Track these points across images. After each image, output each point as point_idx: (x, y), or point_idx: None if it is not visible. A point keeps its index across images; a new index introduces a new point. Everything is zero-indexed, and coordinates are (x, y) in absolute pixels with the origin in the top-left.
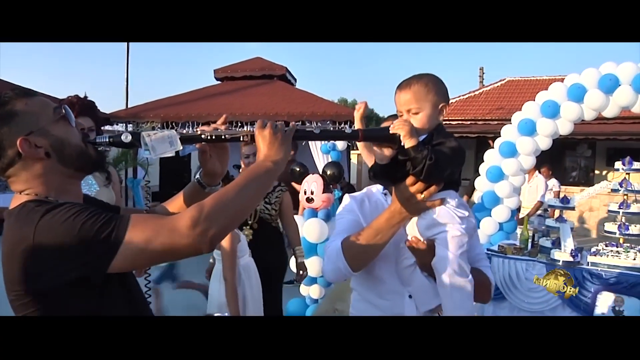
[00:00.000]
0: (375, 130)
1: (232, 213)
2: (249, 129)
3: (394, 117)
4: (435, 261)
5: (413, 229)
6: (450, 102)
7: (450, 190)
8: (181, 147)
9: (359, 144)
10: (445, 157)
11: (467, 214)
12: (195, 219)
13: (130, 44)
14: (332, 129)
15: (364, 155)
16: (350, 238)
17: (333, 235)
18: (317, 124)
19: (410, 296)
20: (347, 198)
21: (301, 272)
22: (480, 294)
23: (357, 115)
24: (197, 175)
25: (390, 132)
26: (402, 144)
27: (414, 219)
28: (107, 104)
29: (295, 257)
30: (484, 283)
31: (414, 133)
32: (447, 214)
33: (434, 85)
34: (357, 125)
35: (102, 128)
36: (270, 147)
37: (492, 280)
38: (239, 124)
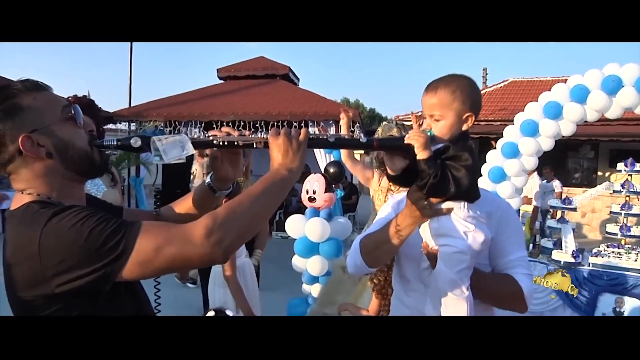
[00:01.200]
0: (390, 140)
1: (247, 222)
2: (263, 136)
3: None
4: (434, 272)
5: (425, 233)
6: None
7: (461, 201)
8: (193, 151)
9: (342, 155)
10: (452, 176)
11: (472, 227)
12: (209, 227)
13: (134, 43)
14: (340, 134)
15: (347, 165)
16: (368, 235)
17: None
18: (329, 128)
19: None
20: (390, 198)
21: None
22: (510, 304)
23: (343, 122)
24: (208, 179)
25: (405, 142)
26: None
27: (426, 223)
28: (110, 103)
29: (250, 257)
30: (514, 292)
31: (428, 145)
32: (450, 225)
33: (461, 93)
34: (344, 130)
35: (105, 127)
36: (285, 155)
37: (527, 288)
38: (242, 124)
